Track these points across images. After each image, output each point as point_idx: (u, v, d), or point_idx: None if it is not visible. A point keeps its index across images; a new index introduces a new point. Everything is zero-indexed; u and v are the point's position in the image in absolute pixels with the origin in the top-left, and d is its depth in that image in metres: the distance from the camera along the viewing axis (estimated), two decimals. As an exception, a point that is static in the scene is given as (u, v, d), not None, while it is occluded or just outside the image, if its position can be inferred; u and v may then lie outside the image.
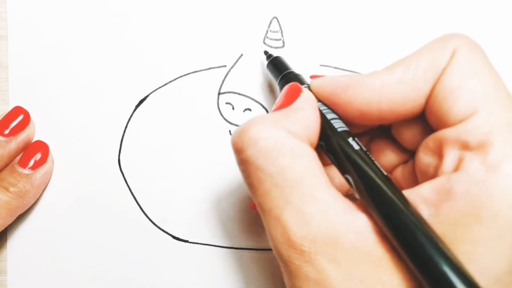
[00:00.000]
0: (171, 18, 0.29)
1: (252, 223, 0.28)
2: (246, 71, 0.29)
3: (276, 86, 0.29)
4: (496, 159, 0.17)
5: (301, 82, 0.24)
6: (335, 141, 0.20)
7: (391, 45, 0.29)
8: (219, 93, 0.29)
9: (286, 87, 0.22)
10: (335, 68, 0.29)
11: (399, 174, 0.23)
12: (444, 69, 0.19)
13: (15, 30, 0.29)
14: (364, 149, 0.20)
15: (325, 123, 0.21)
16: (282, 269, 0.19)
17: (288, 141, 0.19)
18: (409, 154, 0.23)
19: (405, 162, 0.23)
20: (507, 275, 0.17)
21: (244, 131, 0.19)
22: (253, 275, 0.27)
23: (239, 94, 0.29)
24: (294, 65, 0.28)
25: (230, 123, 0.29)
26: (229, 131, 0.29)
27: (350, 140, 0.20)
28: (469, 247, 0.17)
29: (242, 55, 0.29)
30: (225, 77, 0.29)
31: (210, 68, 0.29)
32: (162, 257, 0.28)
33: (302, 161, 0.18)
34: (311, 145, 0.20)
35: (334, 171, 0.23)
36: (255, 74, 0.29)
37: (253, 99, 0.29)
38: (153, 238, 0.28)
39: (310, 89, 0.22)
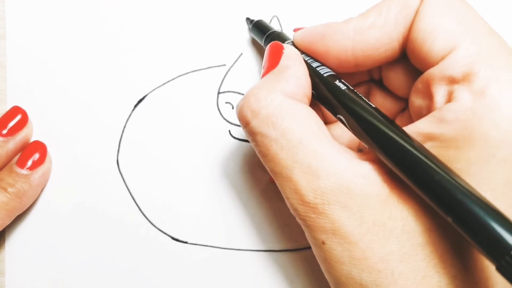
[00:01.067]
0: (170, 17, 0.29)
1: (251, 224, 0.28)
2: (246, 70, 0.29)
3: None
4: (481, 85, 0.18)
5: (284, 39, 0.24)
6: (322, 86, 0.21)
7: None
8: (219, 92, 0.29)
9: (267, 48, 0.23)
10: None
11: (398, 122, 0.24)
12: (416, 12, 0.20)
13: (14, 29, 0.29)
14: (351, 88, 0.21)
15: (311, 72, 0.22)
16: (302, 226, 0.20)
17: (286, 104, 0.20)
18: (405, 102, 0.24)
19: (403, 110, 0.24)
20: (504, 187, 0.17)
21: (246, 104, 0.20)
22: (253, 277, 0.27)
23: (239, 93, 0.29)
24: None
25: (229, 122, 0.28)
26: (229, 130, 0.28)
27: (337, 82, 0.21)
28: (463, 165, 0.17)
29: (241, 54, 0.29)
30: (224, 76, 0.29)
31: (209, 67, 0.29)
32: (161, 258, 0.28)
33: (302, 121, 0.19)
34: (308, 99, 0.21)
35: (339, 129, 0.25)
36: (255, 73, 0.29)
37: (253, 99, 0.28)
38: (152, 239, 0.28)
39: (294, 43, 0.23)
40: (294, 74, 0.21)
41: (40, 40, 0.29)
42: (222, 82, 0.29)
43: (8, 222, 0.27)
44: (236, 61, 0.29)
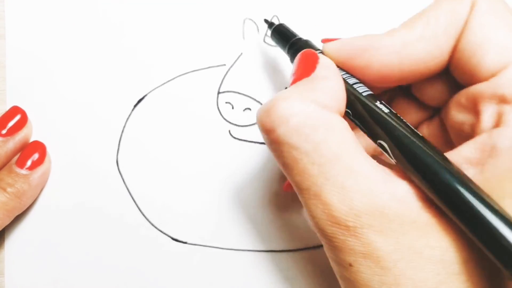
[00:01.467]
0: (170, 17, 0.29)
1: (251, 224, 0.28)
2: (246, 70, 0.28)
3: (278, 88, 0.28)
4: None
5: (313, 48, 0.22)
6: (362, 107, 0.19)
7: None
8: (219, 92, 0.28)
9: (300, 55, 0.21)
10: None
11: (424, 131, 0.22)
12: (466, 22, 0.19)
13: (13, 29, 0.29)
14: (394, 111, 0.19)
15: (349, 89, 0.20)
16: (325, 245, 0.18)
17: (320, 115, 0.18)
18: (432, 110, 0.22)
19: (429, 118, 0.22)
20: None
21: (272, 109, 0.18)
22: (253, 277, 0.27)
23: (239, 93, 0.28)
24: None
25: (229, 122, 0.28)
26: (229, 130, 0.28)
27: (378, 103, 0.19)
28: None
29: (241, 54, 0.29)
30: (224, 76, 0.29)
31: (209, 67, 0.29)
32: (161, 258, 0.27)
33: (337, 134, 0.18)
34: (341, 115, 0.19)
35: (358, 135, 0.22)
36: (255, 73, 0.29)
37: (253, 98, 0.28)
38: (152, 240, 0.27)
39: (324, 55, 0.21)
40: (331, 86, 0.19)
41: (39, 40, 0.29)
42: (222, 82, 0.29)
43: (7, 222, 0.26)
44: (236, 61, 0.29)
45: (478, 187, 0.16)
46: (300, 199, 0.19)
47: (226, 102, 0.28)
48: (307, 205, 0.18)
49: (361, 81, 0.20)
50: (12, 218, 0.27)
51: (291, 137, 0.18)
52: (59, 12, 0.29)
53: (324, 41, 0.22)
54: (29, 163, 0.26)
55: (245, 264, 0.27)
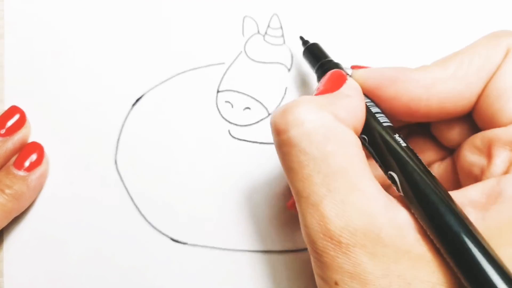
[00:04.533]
0: (168, 15, 0.29)
1: (252, 225, 0.27)
2: (246, 69, 0.28)
3: (278, 87, 0.28)
4: None
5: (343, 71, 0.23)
6: (380, 136, 0.19)
7: (393, 43, 0.28)
8: (218, 91, 0.28)
9: (329, 73, 0.21)
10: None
11: (435, 171, 0.22)
12: (497, 68, 0.19)
13: (12, 28, 0.29)
14: (410, 147, 0.19)
15: (369, 116, 0.20)
16: (313, 260, 0.18)
17: (336, 127, 0.18)
18: (447, 151, 0.22)
19: (442, 159, 0.22)
20: None
21: (288, 111, 0.18)
22: (253, 278, 0.27)
23: (238, 92, 0.28)
24: (295, 63, 0.28)
25: (229, 122, 0.28)
26: (228, 130, 0.28)
27: (397, 136, 0.19)
28: None
29: (241, 52, 0.28)
30: (224, 75, 0.28)
31: (208, 66, 0.28)
32: (161, 259, 0.27)
33: (349, 149, 0.18)
34: (356, 133, 0.19)
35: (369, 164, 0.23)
36: (255, 72, 0.28)
37: (252, 98, 0.28)
38: (151, 240, 0.27)
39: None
40: (351, 104, 0.19)
41: (38, 39, 0.29)
42: (221, 80, 0.28)
43: (5, 224, 0.26)
44: (235, 59, 0.28)
45: (478, 233, 0.16)
46: (297, 207, 0.18)
47: (226, 101, 0.28)
48: (303, 214, 0.18)
49: (383, 112, 0.21)
50: (10, 220, 0.27)
51: (302, 141, 0.18)
52: (57, 12, 0.29)
53: (354, 67, 0.22)
54: (27, 164, 0.26)
55: (246, 265, 0.27)
